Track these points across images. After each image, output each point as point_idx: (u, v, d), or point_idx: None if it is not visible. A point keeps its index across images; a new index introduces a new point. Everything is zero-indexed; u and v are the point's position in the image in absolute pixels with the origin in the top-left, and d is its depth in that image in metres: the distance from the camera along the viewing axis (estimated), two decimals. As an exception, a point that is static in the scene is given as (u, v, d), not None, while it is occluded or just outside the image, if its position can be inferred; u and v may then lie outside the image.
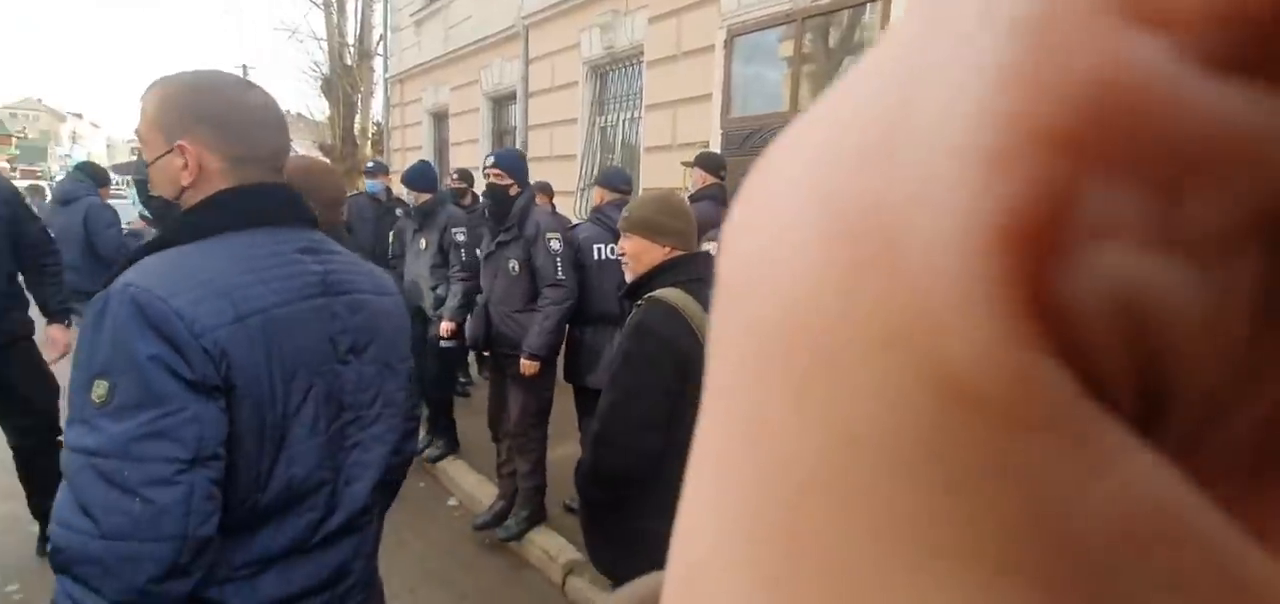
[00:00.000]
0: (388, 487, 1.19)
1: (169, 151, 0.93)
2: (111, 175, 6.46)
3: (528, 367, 2.93)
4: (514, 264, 2.99)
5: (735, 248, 0.09)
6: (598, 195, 3.57)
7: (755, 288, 0.08)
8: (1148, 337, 0.07)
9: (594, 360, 2.95)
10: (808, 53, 5.31)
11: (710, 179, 3.85)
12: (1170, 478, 0.07)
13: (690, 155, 5.80)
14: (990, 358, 0.06)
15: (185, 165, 0.93)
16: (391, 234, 4.51)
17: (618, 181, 3.60)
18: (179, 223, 0.93)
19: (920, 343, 0.07)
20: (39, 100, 76.62)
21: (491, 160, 3.13)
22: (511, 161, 3.17)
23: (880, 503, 0.07)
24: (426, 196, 4.02)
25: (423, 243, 3.90)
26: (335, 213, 1.59)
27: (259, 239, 0.94)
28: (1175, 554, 0.06)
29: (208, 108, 0.95)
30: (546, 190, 5.04)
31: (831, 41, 5.24)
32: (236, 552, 0.93)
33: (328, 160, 13.71)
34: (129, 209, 6.55)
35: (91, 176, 4.29)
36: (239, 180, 0.95)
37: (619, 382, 1.59)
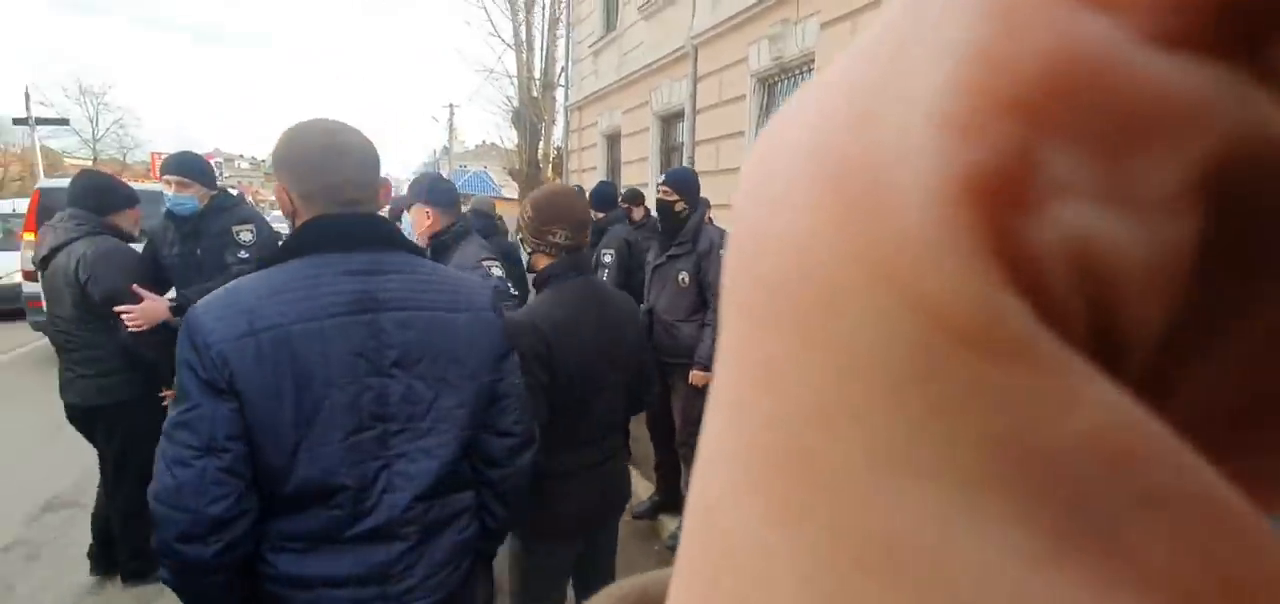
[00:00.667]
0: (499, 497, 1.27)
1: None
2: None
3: (698, 378, 2.98)
4: (684, 276, 3.10)
5: (744, 210, 0.09)
6: None
7: (762, 244, 0.09)
8: (1098, 283, 0.07)
9: None
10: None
11: None
12: (1135, 405, 0.07)
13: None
14: (963, 291, 0.07)
15: (283, 201, 1.15)
16: None
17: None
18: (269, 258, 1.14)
19: (903, 278, 0.07)
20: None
21: (663, 179, 3.31)
22: (681, 180, 3.29)
23: (874, 426, 0.07)
24: (601, 215, 4.33)
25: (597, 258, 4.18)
26: (582, 234, 1.75)
27: (301, 266, 1.09)
28: (1146, 471, 0.07)
29: (285, 153, 1.14)
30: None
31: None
32: (282, 527, 1.07)
33: (559, 185, 15.13)
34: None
35: None
36: (311, 213, 1.12)
37: None
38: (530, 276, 2.02)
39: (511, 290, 2.59)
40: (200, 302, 1.04)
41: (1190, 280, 0.08)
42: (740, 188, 0.10)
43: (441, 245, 2.54)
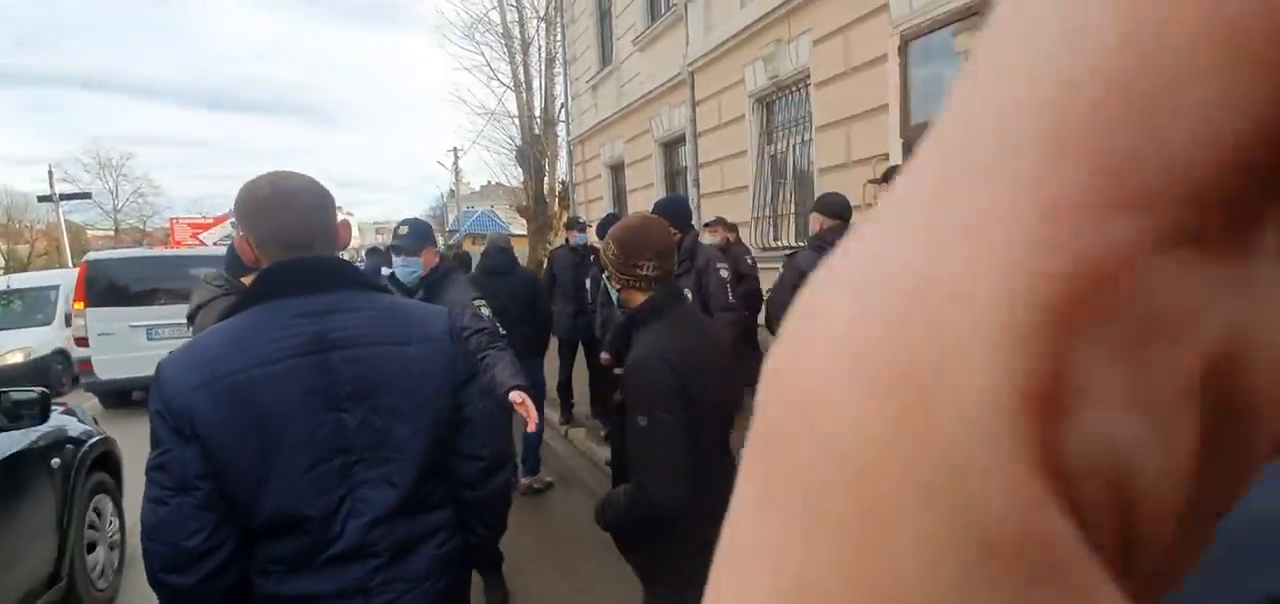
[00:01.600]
0: (479, 516, 1.36)
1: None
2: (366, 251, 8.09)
3: None
4: (687, 294, 3.22)
5: (776, 394, 0.09)
6: (816, 222, 3.58)
7: (798, 437, 0.09)
8: (1125, 491, 0.08)
9: None
10: (997, 43, 4.86)
11: (829, 223, 3.59)
12: None
13: (868, 171, 5.59)
14: (1012, 515, 0.07)
15: (244, 251, 1.26)
16: (587, 281, 4.96)
17: (837, 208, 3.50)
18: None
19: (955, 498, 0.07)
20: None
21: (654, 209, 3.43)
22: (671, 208, 3.43)
23: None
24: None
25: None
26: (669, 262, 1.67)
27: (258, 312, 1.17)
28: None
29: (241, 204, 1.24)
30: (725, 225, 5.28)
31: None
32: (265, 552, 1.17)
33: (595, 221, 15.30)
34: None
35: None
36: (268, 260, 1.21)
37: None
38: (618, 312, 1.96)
39: (500, 330, 2.58)
40: (168, 356, 1.16)
41: (1193, 478, 0.08)
42: (768, 381, 0.09)
43: (430, 286, 2.61)
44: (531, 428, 2.46)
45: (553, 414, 5.49)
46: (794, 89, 6.98)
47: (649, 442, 1.51)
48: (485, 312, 2.53)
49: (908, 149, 5.51)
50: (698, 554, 1.55)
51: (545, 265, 6.00)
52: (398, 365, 1.24)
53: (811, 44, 6.43)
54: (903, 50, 5.50)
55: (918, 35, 5.38)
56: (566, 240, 5.49)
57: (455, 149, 25.70)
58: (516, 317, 4.70)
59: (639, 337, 1.65)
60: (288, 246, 1.20)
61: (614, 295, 1.77)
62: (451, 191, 30.98)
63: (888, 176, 3.65)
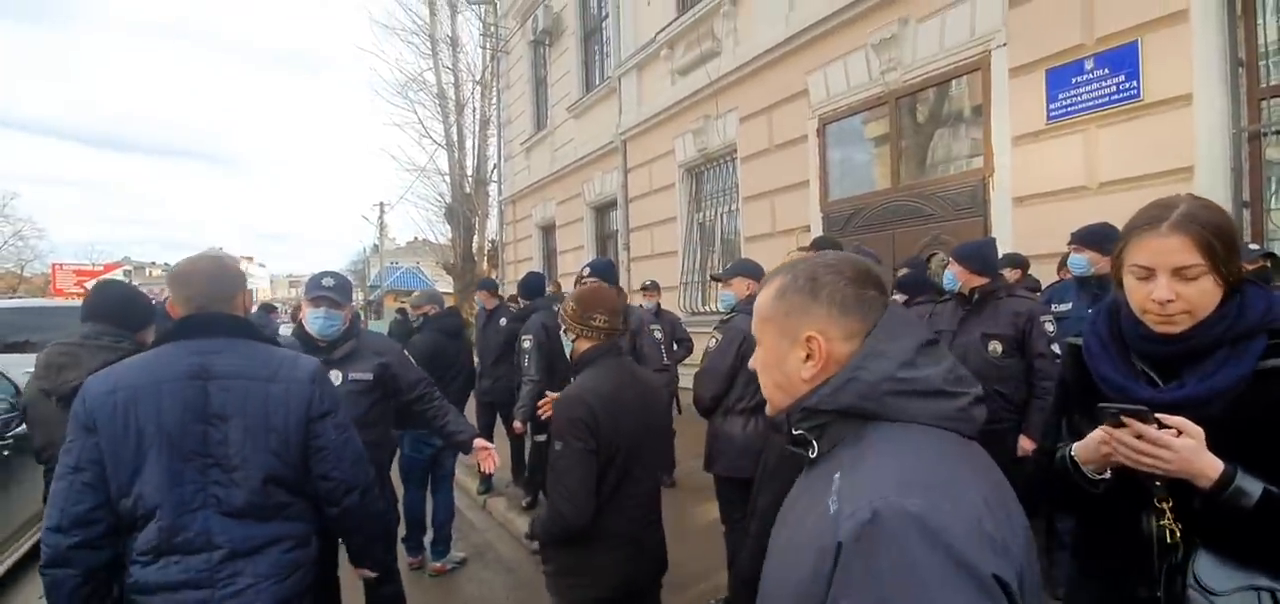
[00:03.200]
0: (344, 530, 1.75)
1: None
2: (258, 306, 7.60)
3: None
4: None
5: None
6: (746, 286, 3.61)
7: None
8: None
9: (728, 447, 2.90)
10: (902, 131, 5.32)
11: (755, 288, 3.86)
12: None
13: (792, 241, 5.87)
14: None
15: (173, 311, 1.69)
16: (512, 343, 4.86)
17: (758, 273, 3.62)
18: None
19: None
20: (220, 249, 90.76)
21: (587, 269, 3.44)
22: (603, 269, 3.42)
23: None
24: (526, 302, 4.43)
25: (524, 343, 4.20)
26: (618, 319, 2.02)
27: (163, 349, 1.60)
28: None
29: (169, 276, 1.76)
30: (655, 289, 5.34)
31: (922, 117, 5.24)
32: (133, 543, 1.49)
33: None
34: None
35: None
36: (178, 316, 1.64)
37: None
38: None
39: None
40: (95, 374, 1.57)
41: None
42: None
43: (348, 338, 2.66)
44: (492, 469, 2.62)
45: (470, 483, 5.24)
46: (722, 161, 7.32)
47: (562, 465, 1.78)
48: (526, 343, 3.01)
49: (826, 221, 5.87)
50: (609, 567, 1.85)
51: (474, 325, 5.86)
52: (260, 396, 1.60)
53: (738, 121, 6.80)
54: (821, 132, 5.92)
55: (834, 119, 5.81)
56: (480, 303, 5.37)
57: (382, 203, 25.04)
58: (460, 379, 4.64)
59: (576, 378, 1.94)
60: (191, 306, 1.65)
61: (567, 344, 2.04)
62: (375, 246, 29.95)
63: (815, 245, 3.84)
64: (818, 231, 5.85)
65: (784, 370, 0.85)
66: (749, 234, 6.74)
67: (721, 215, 7.43)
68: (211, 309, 1.64)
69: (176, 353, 1.57)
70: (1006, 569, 0.65)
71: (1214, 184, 3.49)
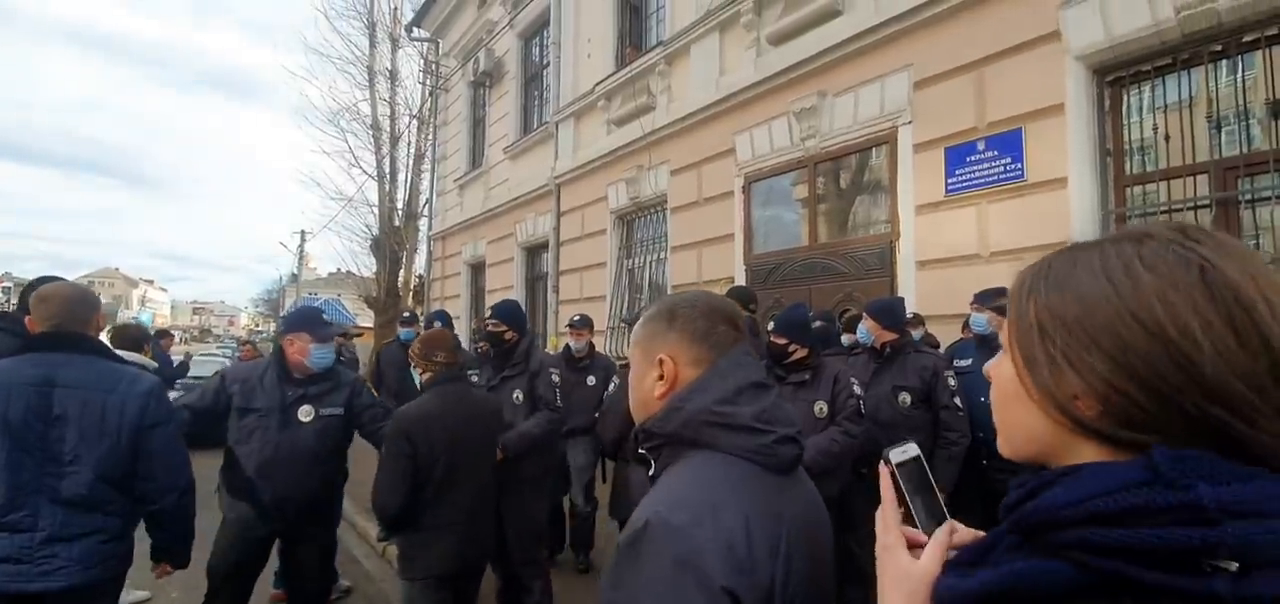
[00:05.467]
0: (157, 525, 2.11)
1: None
2: (154, 332, 7.06)
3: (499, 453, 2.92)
4: (518, 394, 3.27)
5: None
6: None
7: None
8: None
9: (630, 492, 2.95)
10: (821, 193, 5.64)
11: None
12: None
13: (719, 290, 6.03)
14: None
15: (32, 326, 2.01)
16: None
17: (746, 298, 3.78)
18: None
19: None
20: (116, 269, 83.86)
21: (491, 313, 3.47)
22: (507, 313, 3.44)
23: None
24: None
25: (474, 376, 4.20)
26: (454, 355, 2.55)
27: (19, 358, 1.90)
28: None
29: (34, 295, 2.04)
30: (586, 326, 4.64)
31: (843, 182, 5.57)
32: None
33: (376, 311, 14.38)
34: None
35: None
36: (39, 330, 1.97)
37: None
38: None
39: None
40: None
41: None
42: None
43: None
44: None
45: (370, 528, 4.93)
46: (653, 211, 7.48)
47: (381, 467, 2.32)
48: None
49: (750, 273, 6.07)
50: (440, 550, 2.36)
51: (373, 360, 5.62)
52: (98, 405, 1.93)
53: (669, 173, 7.01)
54: (746, 189, 6.18)
55: (759, 178, 6.09)
56: (397, 335, 5.22)
57: (303, 232, 23.91)
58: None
59: (416, 400, 2.45)
60: (49, 324, 1.97)
61: (417, 380, 2.53)
62: (293, 276, 28.42)
63: (732, 295, 3.97)
64: (741, 283, 6.04)
65: (642, 389, 0.94)
66: (676, 282, 6.86)
67: (650, 263, 7.55)
68: (67, 329, 1.95)
69: (28, 362, 1.90)
70: (743, 585, 0.75)
71: (1085, 259, 3.87)
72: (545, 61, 9.67)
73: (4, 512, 1.83)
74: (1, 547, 1.82)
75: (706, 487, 0.81)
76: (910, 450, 0.69)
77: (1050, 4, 3.99)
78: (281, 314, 23.35)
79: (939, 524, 0.65)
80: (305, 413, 2.68)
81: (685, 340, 0.91)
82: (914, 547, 0.64)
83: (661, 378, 0.90)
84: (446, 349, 2.53)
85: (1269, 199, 3.39)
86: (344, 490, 3.08)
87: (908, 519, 0.66)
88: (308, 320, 2.79)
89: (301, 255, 25.93)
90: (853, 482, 2.99)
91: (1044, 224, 4.03)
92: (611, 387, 3.15)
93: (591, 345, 4.68)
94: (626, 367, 3.15)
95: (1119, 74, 3.87)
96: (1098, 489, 0.45)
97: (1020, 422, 0.56)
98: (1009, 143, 4.25)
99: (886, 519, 0.65)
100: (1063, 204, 3.96)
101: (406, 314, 5.69)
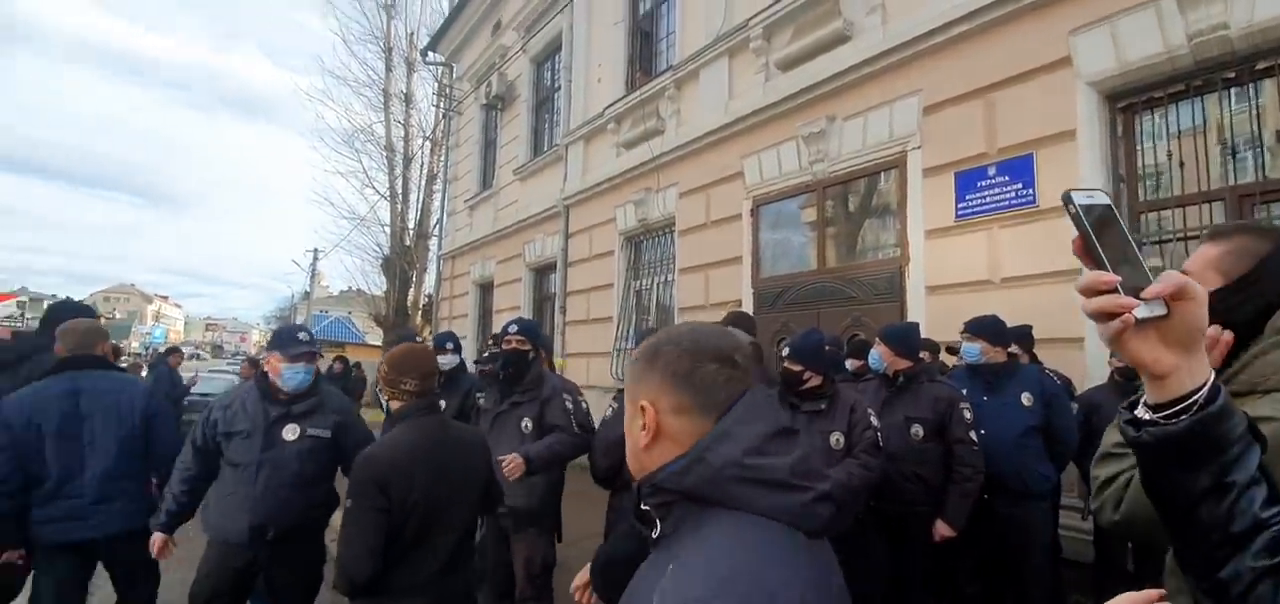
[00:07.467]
0: (164, 481, 2.74)
1: None
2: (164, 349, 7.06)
3: (514, 468, 2.72)
4: (527, 423, 2.99)
5: None
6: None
7: None
8: None
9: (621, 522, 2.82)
10: (830, 217, 5.61)
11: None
12: None
13: (723, 314, 5.99)
14: None
15: (59, 350, 2.78)
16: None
17: (748, 325, 3.66)
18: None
19: None
20: (132, 285, 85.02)
21: (515, 328, 3.17)
22: (531, 329, 3.20)
23: None
24: (455, 361, 4.20)
25: (443, 404, 3.91)
26: (429, 382, 2.11)
27: (52, 378, 2.65)
28: None
29: (60, 328, 2.81)
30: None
31: (852, 206, 5.55)
32: (35, 496, 2.56)
33: (418, 337, 14.43)
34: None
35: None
36: (64, 354, 2.74)
37: None
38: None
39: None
40: (8, 398, 2.60)
41: None
42: None
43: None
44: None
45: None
46: (660, 233, 7.48)
47: (350, 523, 1.82)
48: (484, 402, 3.22)
49: (757, 297, 6.04)
50: None
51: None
52: (113, 404, 2.71)
53: (678, 196, 7.02)
54: (754, 212, 6.17)
55: (767, 202, 6.08)
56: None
57: (316, 250, 24.16)
58: None
59: (383, 436, 2.07)
60: (71, 349, 2.73)
61: (384, 404, 2.18)
62: (305, 293, 28.67)
63: (727, 321, 3.93)
64: (749, 307, 6.00)
65: (631, 436, 0.83)
66: (683, 305, 6.84)
67: (658, 285, 7.53)
68: (82, 353, 2.74)
69: (55, 381, 2.66)
70: None
71: (1099, 286, 3.81)
72: (556, 85, 9.78)
73: (59, 486, 2.55)
74: (62, 510, 2.55)
75: (747, 566, 0.67)
76: (1098, 196, 0.67)
77: (1061, 29, 3.98)
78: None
79: (1134, 269, 0.63)
80: (290, 432, 2.59)
81: (666, 384, 0.79)
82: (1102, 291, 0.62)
83: (644, 427, 0.79)
84: (419, 374, 2.08)
85: (1287, 227, 3.33)
86: (329, 523, 2.84)
87: (1097, 264, 0.64)
88: (280, 340, 2.72)
89: (313, 273, 26.17)
90: (864, 516, 2.88)
91: (1056, 250, 3.97)
92: (608, 410, 2.97)
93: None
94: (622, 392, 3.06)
95: (1131, 100, 3.84)
96: None
97: None
98: (1020, 168, 4.22)
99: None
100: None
101: (449, 342, 5.13)
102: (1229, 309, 0.96)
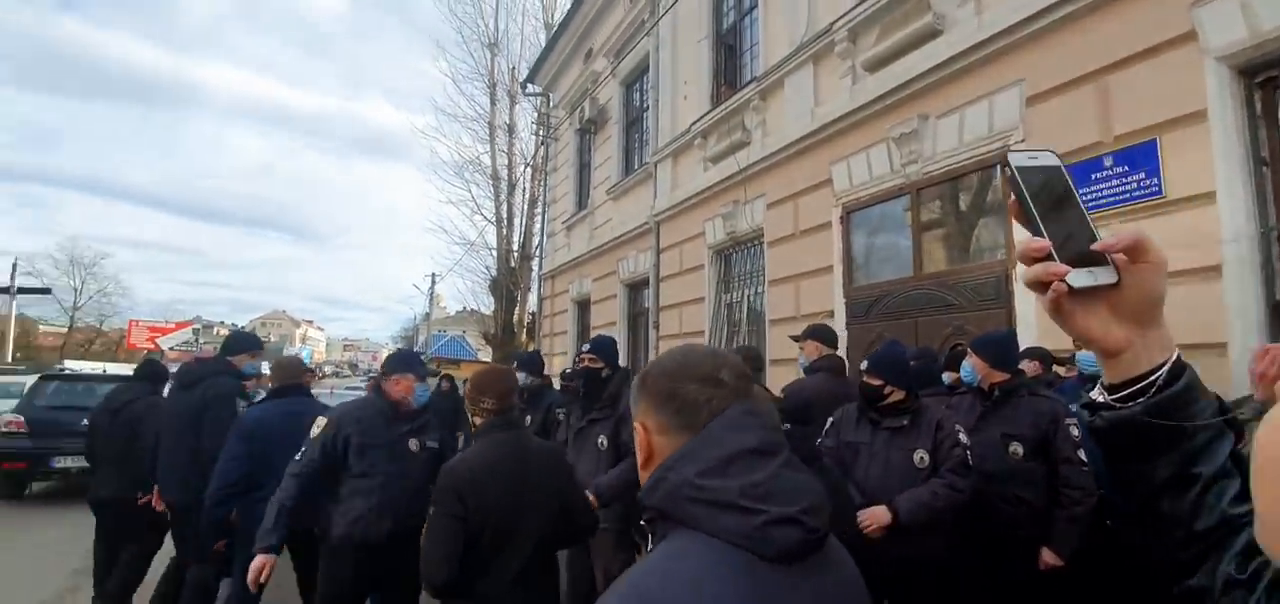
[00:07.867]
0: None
1: None
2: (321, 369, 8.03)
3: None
4: (603, 440, 3.08)
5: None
6: (816, 349, 3.83)
7: None
8: None
9: None
10: (926, 221, 5.34)
11: (825, 350, 3.88)
12: None
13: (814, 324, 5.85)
14: None
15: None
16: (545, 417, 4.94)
17: (830, 337, 3.91)
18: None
19: None
20: (283, 311, 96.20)
21: (587, 347, 3.31)
22: (602, 346, 3.30)
23: None
24: (536, 380, 4.44)
25: (528, 420, 4.09)
26: (506, 400, 2.29)
27: (276, 401, 3.55)
28: None
29: (272, 364, 3.99)
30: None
31: (951, 208, 5.25)
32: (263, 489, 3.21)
33: (500, 360, 15.27)
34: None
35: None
36: (277, 384, 3.71)
37: None
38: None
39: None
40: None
41: None
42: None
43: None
44: None
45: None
46: (750, 244, 7.43)
47: (431, 530, 2.01)
48: (562, 415, 3.83)
49: (849, 307, 5.84)
50: None
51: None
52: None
53: (765, 207, 6.95)
54: (844, 220, 5.99)
55: (858, 208, 5.89)
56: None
57: (433, 274, 26.13)
58: None
59: (466, 453, 2.23)
60: (281, 381, 3.63)
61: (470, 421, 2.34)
62: (426, 314, 31.05)
63: (812, 333, 3.86)
64: (841, 316, 5.83)
65: (640, 457, 0.85)
66: (774, 316, 6.75)
67: (748, 297, 7.48)
68: (289, 382, 3.51)
69: (282, 404, 3.40)
70: None
71: (1244, 280, 3.37)
72: (645, 105, 10.02)
73: (269, 487, 2.85)
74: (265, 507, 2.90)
75: (671, 579, 0.69)
76: (1043, 157, 0.60)
77: (1181, 2, 3.58)
78: (416, 349, 25.55)
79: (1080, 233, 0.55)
80: (413, 444, 2.86)
81: (651, 406, 0.82)
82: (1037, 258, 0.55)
83: (640, 447, 0.83)
84: (496, 394, 2.25)
85: None
86: None
87: (1032, 229, 0.57)
88: (409, 362, 3.05)
89: (432, 296, 28.30)
90: (958, 542, 2.72)
91: (1188, 244, 3.55)
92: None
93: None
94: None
95: (1270, 73, 3.37)
96: None
97: None
98: (1142, 156, 3.82)
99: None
100: (1210, 221, 3.48)
101: (531, 361, 4.86)
102: None
